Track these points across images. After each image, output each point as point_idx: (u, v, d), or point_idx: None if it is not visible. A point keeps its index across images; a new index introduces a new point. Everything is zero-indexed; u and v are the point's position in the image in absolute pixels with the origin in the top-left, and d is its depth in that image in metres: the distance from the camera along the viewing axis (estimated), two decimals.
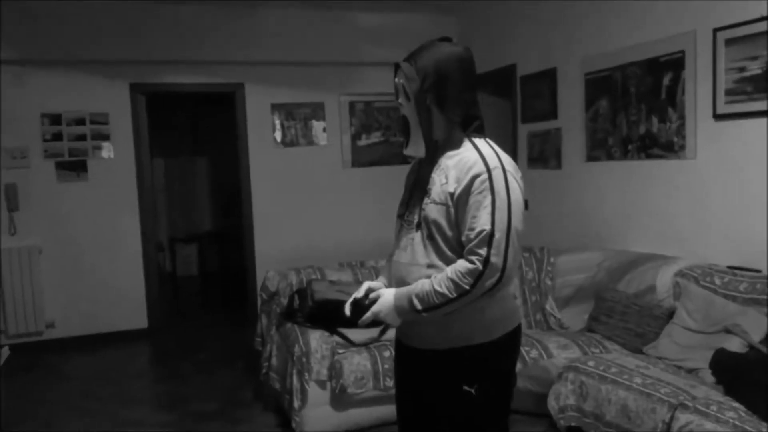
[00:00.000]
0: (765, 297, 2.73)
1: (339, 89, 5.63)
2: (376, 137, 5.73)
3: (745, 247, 3.14)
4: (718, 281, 2.97)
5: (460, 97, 1.70)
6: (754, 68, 3.01)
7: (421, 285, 1.65)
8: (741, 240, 3.17)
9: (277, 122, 5.48)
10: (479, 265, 1.58)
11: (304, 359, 3.14)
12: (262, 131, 5.47)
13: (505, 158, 1.68)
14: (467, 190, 1.62)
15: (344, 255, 5.11)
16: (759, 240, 3.05)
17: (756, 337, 2.60)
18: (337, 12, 5.35)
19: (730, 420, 2.17)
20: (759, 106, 3.00)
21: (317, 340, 3.19)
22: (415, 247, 1.72)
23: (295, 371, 3.16)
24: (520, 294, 3.82)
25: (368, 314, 1.74)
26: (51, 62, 4.91)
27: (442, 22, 5.41)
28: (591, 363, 2.79)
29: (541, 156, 4.67)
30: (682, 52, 3.40)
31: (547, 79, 4.52)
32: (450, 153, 1.71)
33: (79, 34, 4.85)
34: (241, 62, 5.29)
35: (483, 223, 1.59)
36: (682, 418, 2.27)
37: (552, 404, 2.81)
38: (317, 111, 5.58)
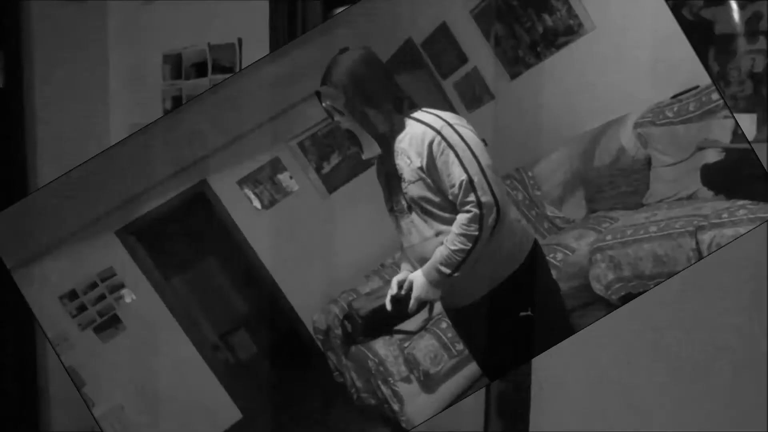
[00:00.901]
0: (713, 105, 2.93)
1: (284, 138, 5.74)
2: (335, 159, 5.87)
3: (673, 73, 3.33)
4: (670, 114, 3.18)
5: (381, 88, 1.88)
6: None
7: (439, 253, 1.83)
8: (668, 69, 3.35)
9: (249, 193, 5.61)
10: (476, 210, 1.75)
11: (381, 368, 3.34)
12: (242, 205, 5.56)
13: (447, 114, 1.86)
14: (431, 157, 1.80)
15: (364, 267, 5.23)
16: (680, 60, 3.22)
17: (725, 141, 2.81)
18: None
19: (744, 217, 2.35)
20: None
21: (383, 347, 3.39)
22: (417, 226, 1.89)
23: (380, 382, 3.36)
24: (522, 216, 4.01)
25: (412, 302, 1.91)
26: None
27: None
28: (608, 237, 2.98)
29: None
30: None
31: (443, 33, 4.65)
32: (399, 137, 1.88)
33: None
34: None
35: (458, 175, 1.76)
36: (705, 238, 2.46)
37: (597, 287, 2.98)
38: (276, 166, 5.71)
